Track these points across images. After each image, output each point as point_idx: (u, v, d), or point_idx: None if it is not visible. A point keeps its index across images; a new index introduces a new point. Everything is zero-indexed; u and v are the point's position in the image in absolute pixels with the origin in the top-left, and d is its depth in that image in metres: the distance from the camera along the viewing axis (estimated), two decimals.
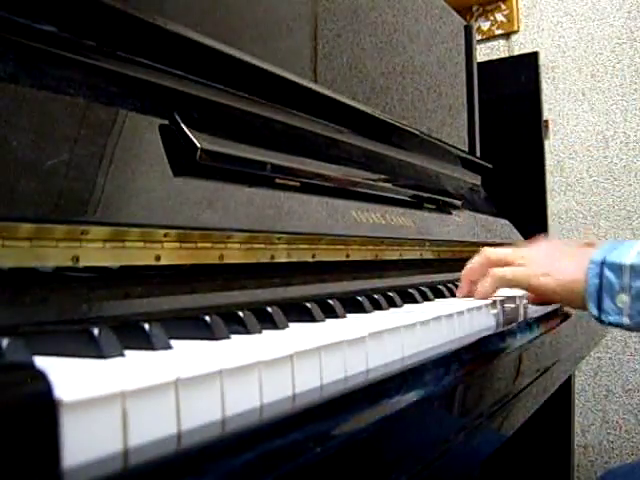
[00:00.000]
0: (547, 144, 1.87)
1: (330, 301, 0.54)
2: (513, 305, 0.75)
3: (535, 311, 0.79)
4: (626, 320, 0.57)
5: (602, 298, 0.58)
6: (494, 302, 0.69)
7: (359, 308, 0.58)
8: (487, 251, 0.71)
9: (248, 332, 0.43)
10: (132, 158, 0.52)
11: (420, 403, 0.42)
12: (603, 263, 0.58)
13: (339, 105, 0.89)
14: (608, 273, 0.58)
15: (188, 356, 0.34)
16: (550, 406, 1.00)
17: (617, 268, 0.57)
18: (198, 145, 0.56)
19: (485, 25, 2.00)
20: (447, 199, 1.12)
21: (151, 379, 0.26)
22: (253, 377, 0.32)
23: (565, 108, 1.89)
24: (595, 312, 0.60)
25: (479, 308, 0.63)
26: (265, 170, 0.66)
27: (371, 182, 0.89)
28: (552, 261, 0.65)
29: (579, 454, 1.82)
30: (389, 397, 0.39)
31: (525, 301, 0.79)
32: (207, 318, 0.40)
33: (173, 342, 0.37)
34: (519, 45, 1.96)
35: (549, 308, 0.83)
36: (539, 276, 0.64)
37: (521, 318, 0.74)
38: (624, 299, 0.57)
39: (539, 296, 0.69)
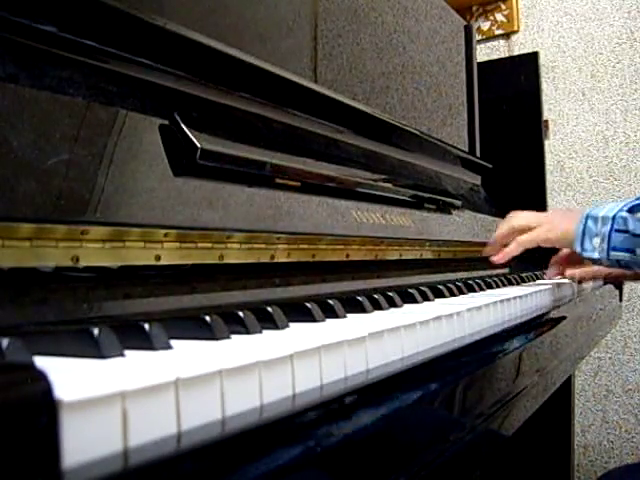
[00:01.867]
0: (547, 144, 1.87)
1: (330, 301, 0.54)
2: (512, 304, 0.75)
3: (533, 312, 0.79)
4: (596, 254, 0.82)
5: (584, 239, 0.84)
6: (494, 302, 0.69)
7: (359, 308, 0.58)
8: (513, 220, 0.95)
9: (248, 332, 0.43)
10: (132, 158, 0.52)
11: (420, 403, 0.42)
12: (587, 216, 0.84)
13: (339, 105, 0.89)
14: (589, 222, 0.83)
15: (188, 356, 0.34)
16: (550, 406, 1.00)
17: (594, 219, 0.83)
18: (198, 145, 0.56)
19: (485, 25, 2.00)
20: (447, 199, 1.12)
21: (151, 379, 0.26)
22: (253, 377, 0.32)
23: (565, 108, 1.89)
24: (579, 249, 0.84)
25: (479, 309, 0.63)
26: (265, 170, 0.66)
27: (371, 182, 0.89)
28: (556, 221, 0.91)
29: (579, 454, 1.82)
30: (389, 397, 0.39)
31: (528, 299, 0.79)
32: (207, 318, 0.40)
33: (173, 342, 0.37)
34: (519, 45, 1.96)
35: (545, 309, 0.83)
36: (548, 232, 0.90)
37: (520, 318, 0.74)
38: (597, 241, 0.82)
39: (548, 245, 0.93)
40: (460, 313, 0.58)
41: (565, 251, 1.00)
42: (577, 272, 1.07)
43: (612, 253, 0.80)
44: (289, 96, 0.78)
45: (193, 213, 0.54)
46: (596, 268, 1.04)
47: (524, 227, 0.92)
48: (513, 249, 0.92)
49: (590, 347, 1.17)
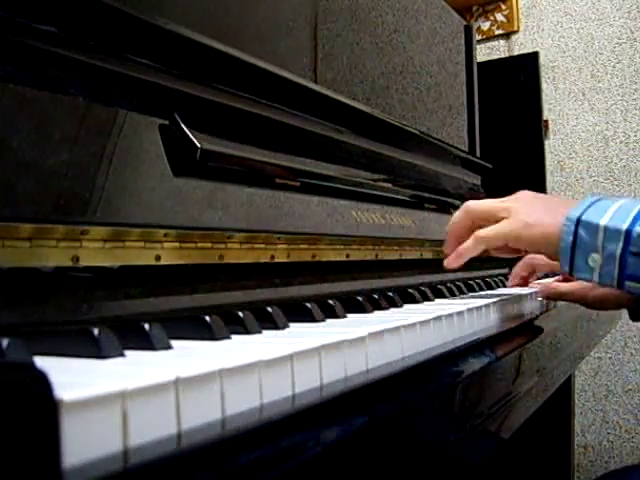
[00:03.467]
0: (547, 144, 1.87)
1: (330, 301, 0.54)
2: (513, 304, 0.75)
3: (534, 311, 0.79)
4: (596, 278, 0.58)
5: (575, 255, 0.59)
6: (494, 302, 0.69)
7: (359, 308, 0.58)
8: (469, 207, 0.70)
9: (248, 332, 0.43)
10: (132, 158, 0.52)
11: (420, 403, 0.42)
12: (579, 222, 0.58)
13: (339, 105, 0.89)
14: (582, 232, 0.58)
15: (188, 356, 0.34)
16: (550, 406, 1.00)
17: (592, 228, 0.58)
18: (198, 145, 0.56)
19: (485, 25, 2.00)
20: (447, 199, 1.12)
21: (151, 379, 0.26)
22: (253, 377, 0.32)
23: (565, 108, 1.89)
24: (566, 268, 0.60)
25: (479, 309, 0.63)
26: (265, 170, 0.66)
27: (371, 182, 0.89)
28: (533, 213, 0.64)
29: (579, 454, 1.82)
30: (389, 397, 0.39)
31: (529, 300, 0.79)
32: (207, 318, 0.40)
33: (173, 342, 0.37)
34: (519, 45, 1.96)
35: (545, 309, 0.83)
36: (520, 229, 0.63)
37: (521, 318, 0.74)
38: (596, 258, 0.58)
39: (517, 247, 0.67)
40: (460, 313, 0.58)
41: (463, 215, 0.70)
42: (544, 289, 0.81)
43: (627, 283, 0.57)
44: (289, 96, 0.78)
45: (193, 213, 0.54)
46: (575, 285, 0.76)
47: (486, 216, 0.68)
48: (470, 247, 0.67)
49: (590, 347, 1.17)
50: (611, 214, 0.57)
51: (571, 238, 0.59)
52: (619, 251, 0.56)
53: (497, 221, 0.66)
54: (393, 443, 0.39)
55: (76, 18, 0.51)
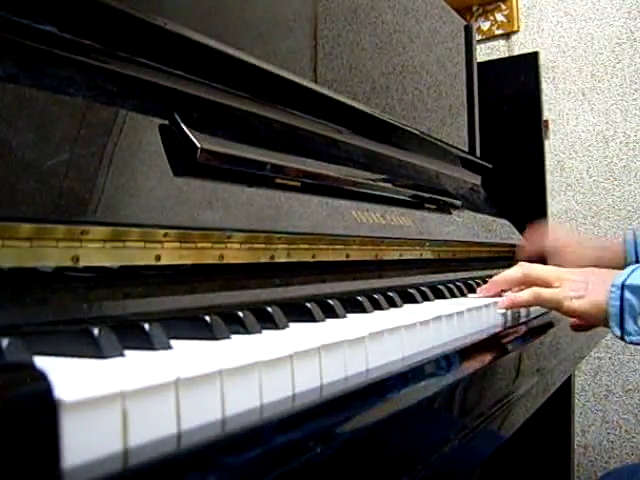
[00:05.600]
0: (547, 144, 1.87)
1: (330, 301, 0.54)
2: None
3: (535, 311, 0.79)
4: None
5: (624, 320, 0.62)
6: (494, 302, 0.69)
7: (359, 308, 0.58)
8: (527, 267, 0.74)
9: (248, 332, 0.43)
10: (132, 158, 0.52)
11: (420, 403, 0.42)
12: (624, 286, 0.62)
13: (339, 105, 0.89)
14: (628, 295, 0.62)
15: (188, 356, 0.34)
16: (550, 406, 1.00)
17: (637, 290, 0.61)
18: (198, 145, 0.56)
19: (485, 25, 2.00)
20: (447, 199, 1.12)
21: (151, 379, 0.26)
22: (253, 377, 0.32)
23: (565, 108, 1.89)
24: (618, 333, 0.63)
25: (479, 309, 0.63)
26: (265, 170, 0.66)
27: (371, 182, 0.89)
28: (586, 285, 0.68)
29: (579, 454, 1.82)
30: (389, 397, 0.39)
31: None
32: (207, 318, 0.40)
33: (173, 342, 0.37)
34: (519, 45, 1.96)
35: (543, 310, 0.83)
36: (573, 298, 0.67)
37: (522, 317, 0.74)
38: None
39: (570, 315, 0.71)
40: (460, 313, 0.58)
41: (519, 273, 0.74)
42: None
43: None
44: (289, 96, 0.78)
45: (193, 213, 0.54)
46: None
47: (540, 280, 0.72)
48: (530, 299, 0.70)
49: (590, 347, 1.17)
50: None
51: (618, 303, 0.62)
52: None
53: (548, 285, 0.70)
54: (394, 443, 0.39)
55: (76, 18, 0.51)
